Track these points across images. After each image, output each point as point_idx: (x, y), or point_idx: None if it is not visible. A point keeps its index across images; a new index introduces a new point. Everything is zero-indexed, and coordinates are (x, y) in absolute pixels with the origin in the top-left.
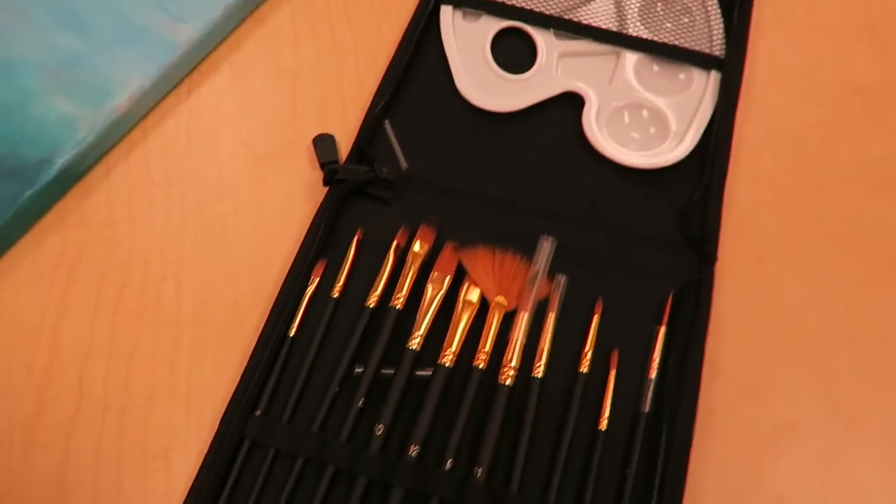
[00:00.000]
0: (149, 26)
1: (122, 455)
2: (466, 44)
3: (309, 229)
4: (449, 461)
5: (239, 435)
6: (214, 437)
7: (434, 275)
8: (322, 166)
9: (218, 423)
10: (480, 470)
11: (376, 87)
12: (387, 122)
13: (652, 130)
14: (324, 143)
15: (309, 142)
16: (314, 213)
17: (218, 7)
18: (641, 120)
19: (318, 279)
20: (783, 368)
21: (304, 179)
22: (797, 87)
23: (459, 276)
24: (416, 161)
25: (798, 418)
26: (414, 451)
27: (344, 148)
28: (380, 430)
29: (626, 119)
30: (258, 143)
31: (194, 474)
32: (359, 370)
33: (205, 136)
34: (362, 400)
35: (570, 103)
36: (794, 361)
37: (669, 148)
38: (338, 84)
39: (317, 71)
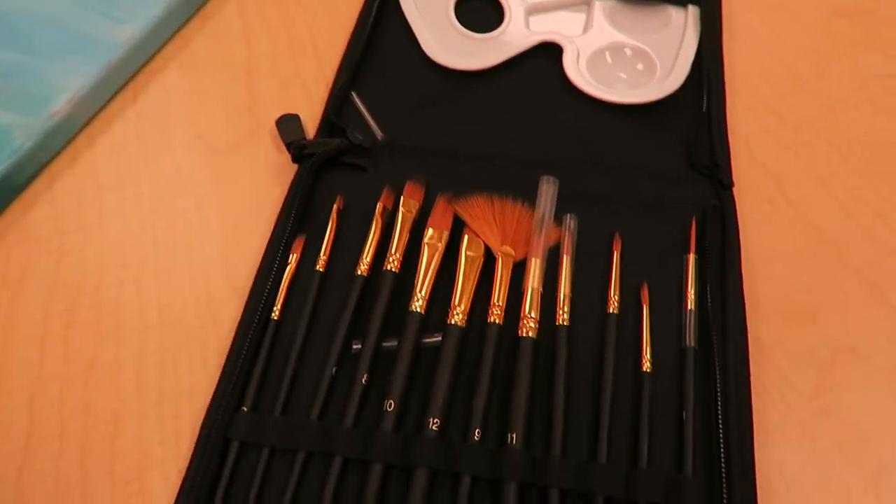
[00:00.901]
0: (88, 32)
1: (87, 485)
2: (429, 10)
3: (283, 206)
4: (476, 431)
5: (224, 437)
6: (196, 444)
7: (429, 231)
8: (288, 146)
9: (199, 429)
10: (514, 436)
11: (338, 66)
12: (354, 93)
13: (640, 66)
14: (288, 124)
15: (272, 127)
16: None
17: (159, 6)
18: (625, 59)
19: (298, 255)
20: (829, 289)
21: (272, 164)
22: (779, 16)
23: (457, 231)
24: (390, 129)
25: (857, 339)
26: (434, 424)
27: (311, 128)
28: (390, 405)
29: (609, 60)
30: (216, 135)
31: (175, 495)
32: (356, 346)
33: (156, 133)
34: (365, 377)
35: (548, 55)
36: (840, 280)
37: (659, 81)
38: (296, 70)
39: (272, 60)
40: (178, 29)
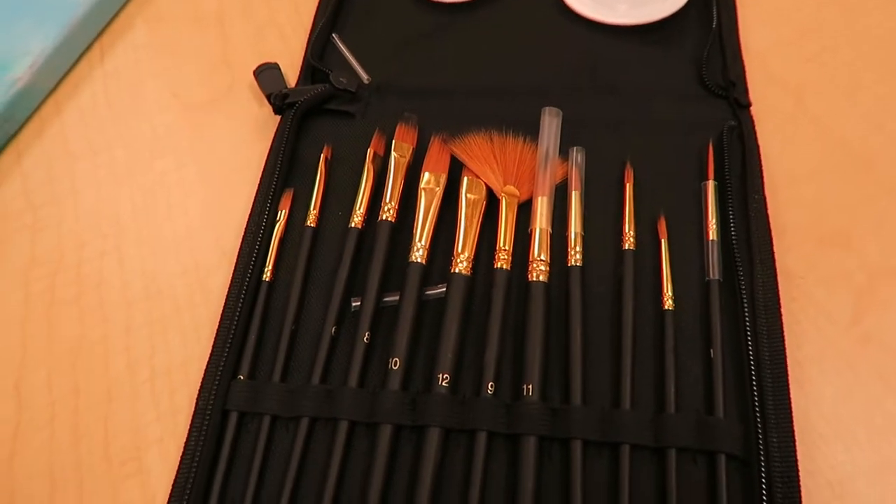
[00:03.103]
0: None
1: (82, 469)
2: None
3: (267, 160)
4: (489, 385)
5: (223, 408)
6: (193, 418)
7: (425, 175)
8: (268, 97)
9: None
10: (531, 387)
11: (316, 7)
12: (335, 35)
13: None
14: (267, 74)
15: (251, 80)
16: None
17: None
18: None
19: (287, 212)
20: (862, 209)
21: (253, 118)
22: None
23: (455, 173)
24: (377, 71)
25: None
26: (443, 380)
27: (292, 77)
28: (395, 364)
29: None
30: (191, 91)
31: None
32: (356, 304)
33: (127, 95)
34: (367, 335)
35: None
36: (873, 198)
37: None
38: (272, 15)
39: (245, 7)
40: None
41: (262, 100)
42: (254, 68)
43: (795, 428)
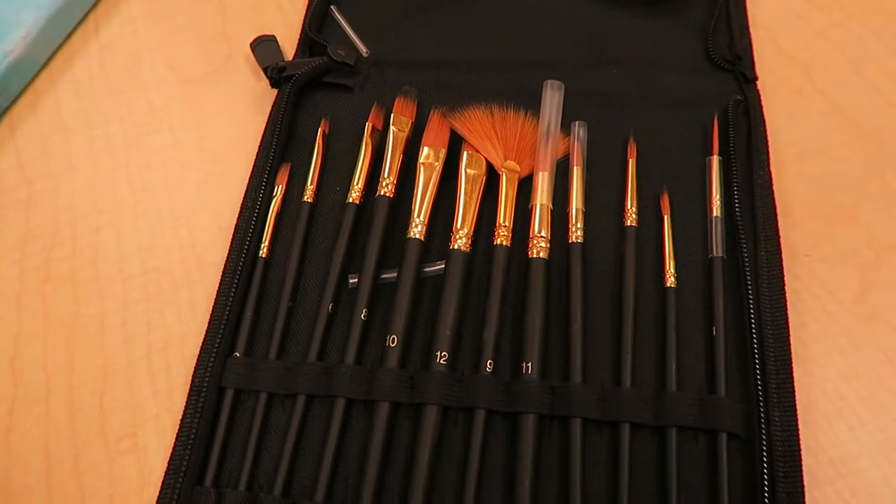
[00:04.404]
0: None
1: (78, 445)
2: None
3: (263, 135)
4: (488, 363)
5: (218, 385)
6: (189, 395)
7: (425, 150)
8: (265, 70)
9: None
10: (530, 365)
11: None
12: (334, 7)
13: None
14: (264, 46)
15: (248, 53)
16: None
17: None
18: None
19: (284, 187)
20: (870, 185)
21: (250, 91)
22: None
23: (455, 148)
24: (376, 43)
25: None
26: (441, 358)
27: (289, 49)
28: (393, 341)
29: None
30: (188, 64)
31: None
32: (353, 280)
33: (123, 68)
34: (364, 312)
35: None
36: (883, 174)
37: None
38: None
39: None
40: None
41: (260, 73)
42: (250, 40)
43: (798, 406)
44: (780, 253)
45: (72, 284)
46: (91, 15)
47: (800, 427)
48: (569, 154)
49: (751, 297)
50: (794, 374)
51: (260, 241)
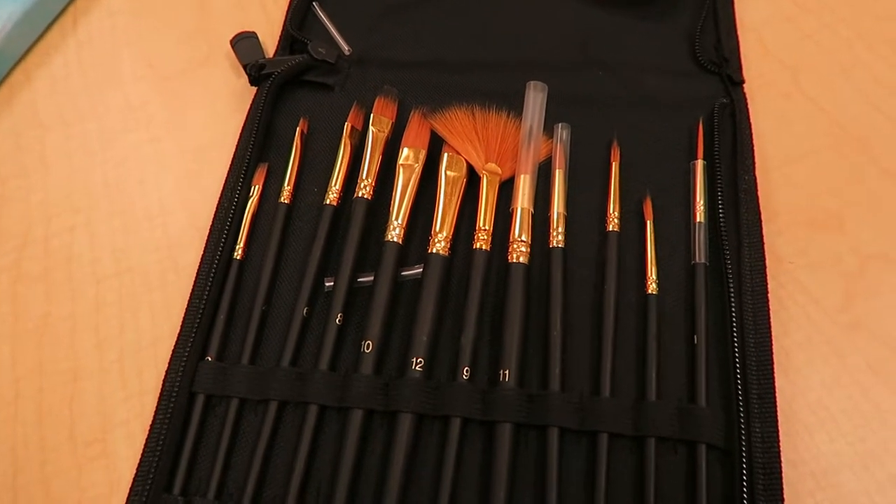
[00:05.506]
0: None
1: (46, 450)
2: None
3: (241, 133)
4: (465, 370)
5: (189, 390)
6: (159, 401)
7: (404, 151)
8: (245, 67)
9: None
10: (507, 373)
11: None
12: (316, 4)
13: None
14: (245, 43)
15: (228, 50)
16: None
17: None
18: None
19: (260, 187)
20: (856, 192)
21: (230, 89)
22: None
23: (435, 149)
24: (357, 41)
25: (890, 244)
26: (417, 364)
27: (270, 47)
28: (369, 346)
29: None
30: (167, 61)
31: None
32: (329, 283)
33: (101, 64)
34: (340, 316)
35: None
36: (868, 181)
37: None
38: None
39: None
40: None
41: (241, 70)
42: (231, 37)
43: (779, 417)
44: (763, 260)
45: (43, 285)
46: (69, 9)
47: (781, 438)
48: (551, 157)
49: (733, 304)
50: (777, 384)
51: (235, 242)
